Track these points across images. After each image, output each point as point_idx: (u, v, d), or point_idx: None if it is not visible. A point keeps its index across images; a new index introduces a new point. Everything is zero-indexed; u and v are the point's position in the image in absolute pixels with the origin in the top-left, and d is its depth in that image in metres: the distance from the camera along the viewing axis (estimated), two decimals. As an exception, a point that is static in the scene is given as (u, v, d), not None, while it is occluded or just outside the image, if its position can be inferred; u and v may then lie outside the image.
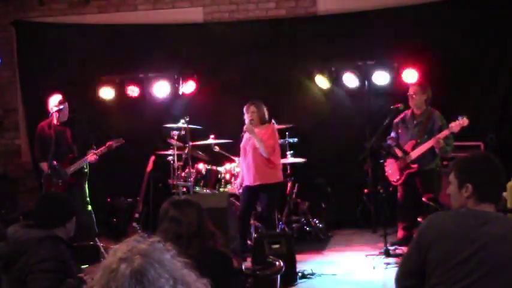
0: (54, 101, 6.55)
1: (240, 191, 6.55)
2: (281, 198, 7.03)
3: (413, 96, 6.34)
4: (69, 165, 6.49)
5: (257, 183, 6.27)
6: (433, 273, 2.51)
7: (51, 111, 6.56)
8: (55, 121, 6.57)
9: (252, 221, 6.68)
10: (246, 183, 6.36)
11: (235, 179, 6.87)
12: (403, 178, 6.40)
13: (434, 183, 6.27)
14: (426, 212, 5.24)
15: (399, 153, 6.40)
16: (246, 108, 6.37)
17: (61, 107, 6.50)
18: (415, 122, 6.41)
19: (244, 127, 6.27)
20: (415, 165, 6.27)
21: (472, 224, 2.49)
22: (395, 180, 6.49)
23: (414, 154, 6.28)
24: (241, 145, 6.46)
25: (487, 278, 2.40)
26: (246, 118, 6.35)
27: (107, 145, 6.54)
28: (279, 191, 6.64)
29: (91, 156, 6.48)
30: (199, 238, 3.06)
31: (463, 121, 6.00)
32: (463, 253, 2.44)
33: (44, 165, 6.52)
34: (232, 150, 7.05)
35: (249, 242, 6.53)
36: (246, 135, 6.45)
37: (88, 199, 6.65)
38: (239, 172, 6.73)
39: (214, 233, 3.19)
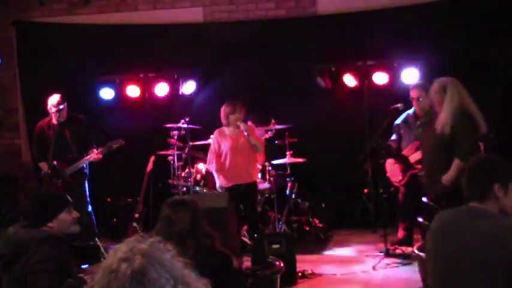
0: (53, 100, 6.53)
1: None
2: (282, 198, 7.07)
3: (420, 99, 6.29)
4: (68, 166, 6.48)
5: (249, 181, 6.33)
6: (430, 264, 2.67)
7: (50, 111, 6.56)
8: (54, 121, 6.57)
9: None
10: (235, 182, 6.31)
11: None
12: (406, 179, 6.37)
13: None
14: (426, 212, 5.23)
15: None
16: (235, 109, 6.29)
17: (60, 107, 6.49)
18: (418, 122, 6.39)
19: (241, 127, 6.22)
20: (419, 166, 6.24)
21: (466, 220, 2.61)
22: (397, 181, 6.47)
23: (413, 158, 6.26)
24: (228, 146, 6.34)
25: (470, 274, 2.49)
26: (233, 119, 6.28)
27: (106, 146, 6.54)
28: None
29: (94, 155, 6.47)
30: (193, 239, 3.06)
31: None
32: (452, 246, 2.58)
33: (43, 165, 6.52)
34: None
35: (248, 242, 6.54)
36: (223, 136, 6.39)
37: (88, 199, 6.65)
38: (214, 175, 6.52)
39: (209, 234, 3.19)
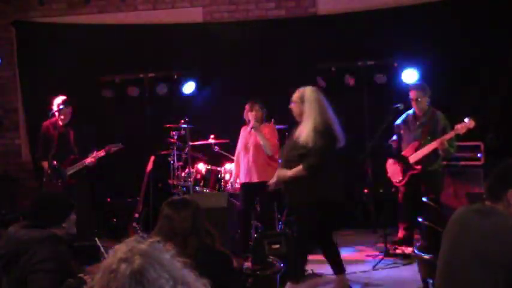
0: (56, 101, 6.62)
1: (237, 185, 6.59)
2: (282, 198, 7.04)
3: (418, 100, 6.28)
4: (69, 166, 6.50)
5: (258, 180, 6.27)
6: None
7: (53, 111, 6.60)
8: (59, 122, 6.61)
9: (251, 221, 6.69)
10: (245, 180, 6.37)
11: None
12: (406, 179, 6.37)
13: (437, 183, 6.26)
14: (426, 212, 5.23)
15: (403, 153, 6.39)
16: (250, 107, 6.36)
17: (61, 106, 6.53)
18: (417, 123, 6.37)
19: (250, 125, 6.25)
20: (418, 166, 6.23)
21: (472, 217, 2.60)
22: (397, 181, 6.46)
23: (413, 158, 6.25)
24: (242, 142, 6.48)
25: (471, 273, 2.48)
26: (249, 116, 6.33)
27: (105, 149, 6.55)
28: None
29: (89, 159, 6.51)
30: (195, 237, 3.06)
31: (469, 123, 5.96)
32: (454, 243, 2.59)
33: (46, 164, 6.54)
34: (232, 150, 7.04)
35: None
36: (243, 133, 6.48)
37: (88, 199, 6.66)
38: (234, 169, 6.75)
39: (211, 233, 3.19)
